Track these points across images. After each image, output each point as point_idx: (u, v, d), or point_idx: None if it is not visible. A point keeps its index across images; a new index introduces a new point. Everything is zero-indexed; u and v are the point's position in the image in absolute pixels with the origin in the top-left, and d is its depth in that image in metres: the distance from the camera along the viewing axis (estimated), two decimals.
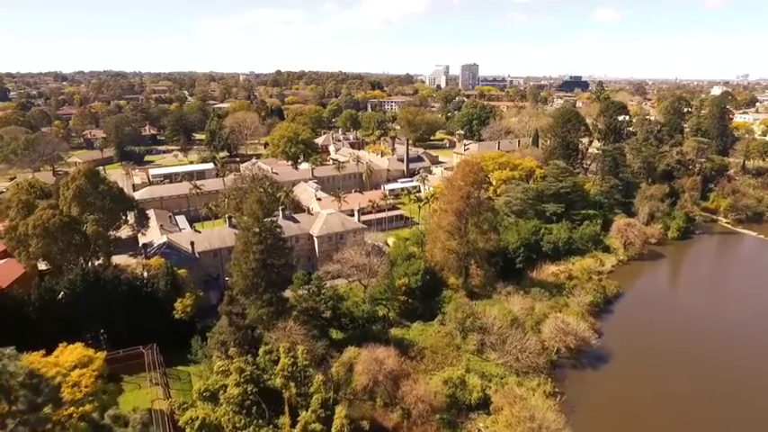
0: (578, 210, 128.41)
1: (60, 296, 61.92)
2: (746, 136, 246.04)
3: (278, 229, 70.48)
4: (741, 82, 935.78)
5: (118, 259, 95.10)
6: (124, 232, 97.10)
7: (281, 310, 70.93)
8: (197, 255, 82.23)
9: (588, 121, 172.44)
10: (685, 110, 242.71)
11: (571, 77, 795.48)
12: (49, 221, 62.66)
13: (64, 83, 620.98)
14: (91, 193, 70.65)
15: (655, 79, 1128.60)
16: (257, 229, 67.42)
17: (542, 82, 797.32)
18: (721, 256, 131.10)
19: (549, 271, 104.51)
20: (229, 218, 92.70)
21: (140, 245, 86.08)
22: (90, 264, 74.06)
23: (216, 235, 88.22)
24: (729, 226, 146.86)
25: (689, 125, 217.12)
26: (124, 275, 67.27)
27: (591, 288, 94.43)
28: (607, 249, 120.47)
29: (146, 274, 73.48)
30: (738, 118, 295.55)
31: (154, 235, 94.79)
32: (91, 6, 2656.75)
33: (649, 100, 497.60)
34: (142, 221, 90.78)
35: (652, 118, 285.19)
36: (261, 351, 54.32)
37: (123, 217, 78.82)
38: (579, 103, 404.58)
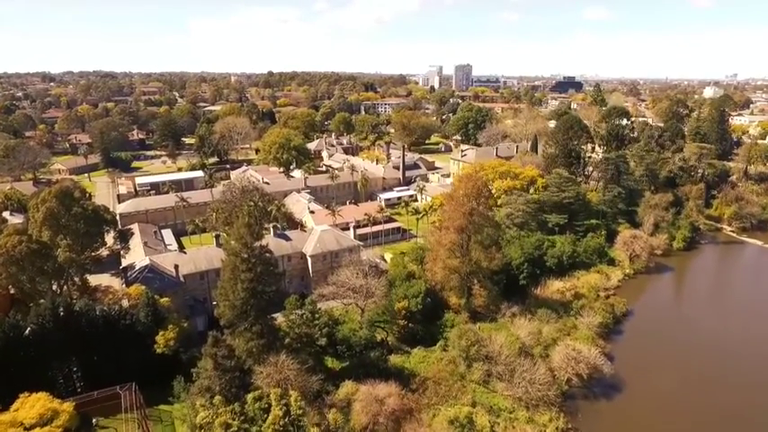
0: (581, 220, 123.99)
1: (27, 332, 56.14)
2: (748, 141, 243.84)
3: (268, 255, 65.21)
4: (731, 82, 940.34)
5: (99, 278, 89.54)
6: (106, 249, 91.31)
7: (272, 342, 65.69)
8: (182, 279, 76.56)
9: (586, 122, 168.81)
10: (684, 113, 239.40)
11: (565, 78, 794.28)
12: (14, 249, 56.97)
13: (51, 84, 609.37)
14: (64, 215, 64.96)
15: (645, 79, 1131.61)
16: (246, 255, 62.06)
17: (536, 82, 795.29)
18: (729, 267, 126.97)
19: (554, 288, 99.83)
20: (217, 236, 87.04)
21: (121, 267, 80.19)
22: (64, 290, 68.34)
23: (202, 256, 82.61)
24: (734, 234, 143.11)
25: (688, 129, 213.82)
26: (100, 307, 61.51)
27: (599, 308, 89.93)
28: (612, 262, 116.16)
29: (125, 302, 67.75)
30: (734, 120, 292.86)
31: (136, 255, 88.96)
32: (82, 3, 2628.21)
33: (644, 101, 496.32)
34: (124, 242, 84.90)
35: (649, 120, 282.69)
36: (249, 398, 49.09)
37: (100, 240, 72.70)
38: (574, 105, 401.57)
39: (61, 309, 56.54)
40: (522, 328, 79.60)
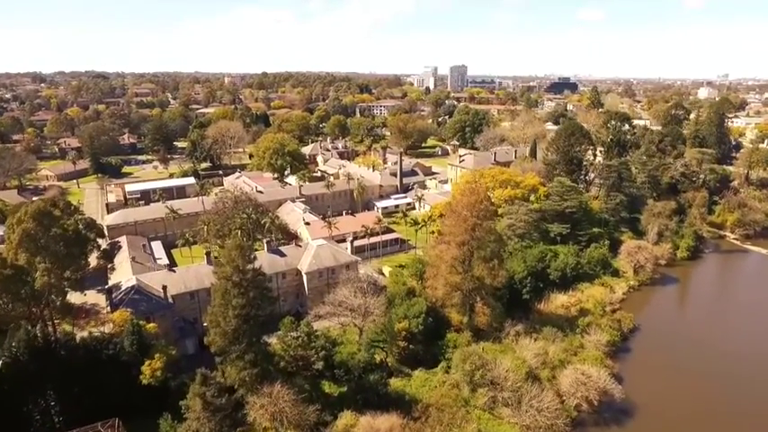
0: (583, 229, 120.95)
1: None
2: (747, 144, 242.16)
3: (261, 278, 61.45)
4: (723, 82, 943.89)
5: (84, 296, 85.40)
6: (92, 261, 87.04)
7: (266, 371, 61.96)
8: (170, 300, 72.56)
9: (585, 125, 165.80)
10: (683, 116, 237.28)
11: (560, 78, 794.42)
12: None
13: (42, 84, 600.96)
14: (42, 236, 60.86)
15: (639, 78, 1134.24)
16: (237, 279, 58.26)
17: (531, 83, 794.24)
18: (735, 278, 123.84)
19: (558, 302, 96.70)
20: (207, 253, 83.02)
21: (106, 287, 76.09)
22: (45, 313, 64.22)
23: (192, 274, 78.61)
24: (738, 242, 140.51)
25: (687, 132, 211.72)
26: (81, 335, 57.50)
27: (606, 325, 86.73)
28: (616, 273, 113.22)
29: (109, 326, 63.75)
30: (732, 123, 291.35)
31: (124, 272, 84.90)
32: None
33: (639, 102, 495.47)
34: (109, 261, 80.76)
35: (646, 122, 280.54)
36: None
37: (82, 262, 68.47)
38: (571, 106, 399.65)
39: (38, 340, 52.46)
40: (528, 348, 76.19)
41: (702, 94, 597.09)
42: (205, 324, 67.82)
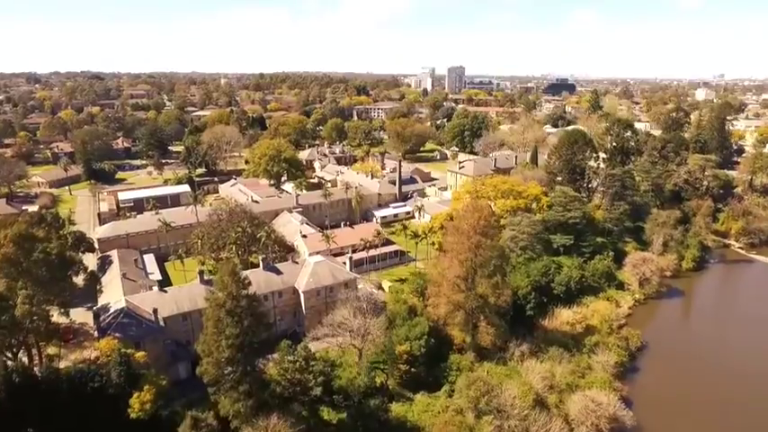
0: (587, 239, 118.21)
1: None
2: (748, 147, 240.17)
3: (256, 304, 58.38)
4: (719, 82, 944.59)
5: (72, 313, 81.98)
6: (80, 279, 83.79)
7: (261, 400, 58.89)
8: (162, 323, 69.35)
9: (585, 129, 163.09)
10: (684, 120, 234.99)
11: (557, 79, 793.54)
12: None
13: (36, 86, 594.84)
14: (23, 261, 57.60)
15: (635, 78, 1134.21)
16: (231, 307, 55.14)
17: (529, 84, 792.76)
18: (743, 290, 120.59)
19: (562, 318, 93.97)
20: (200, 272, 79.75)
21: (95, 308, 72.76)
22: (26, 343, 60.96)
23: (185, 294, 75.31)
24: (743, 251, 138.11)
25: (688, 136, 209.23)
26: (64, 366, 54.29)
27: (614, 344, 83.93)
28: (621, 286, 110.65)
29: (95, 353, 60.54)
30: (733, 126, 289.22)
31: (114, 290, 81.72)
32: None
33: (637, 103, 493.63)
34: (97, 282, 77.55)
35: (646, 124, 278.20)
36: None
37: (67, 286, 65.20)
38: (569, 108, 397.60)
39: (17, 375, 49.23)
40: (534, 371, 73.32)
41: (700, 95, 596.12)
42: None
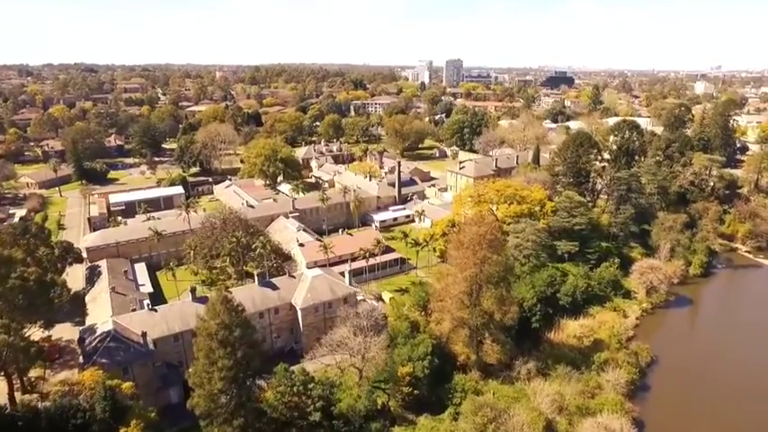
0: (593, 246, 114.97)
1: None
2: (751, 145, 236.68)
3: (250, 331, 54.79)
4: (717, 74, 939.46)
5: (58, 329, 78.50)
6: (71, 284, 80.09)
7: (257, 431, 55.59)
8: (151, 346, 65.66)
9: (585, 126, 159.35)
10: (687, 117, 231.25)
11: (555, 72, 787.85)
12: None
13: (28, 78, 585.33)
14: None
15: (633, 70, 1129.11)
16: (223, 337, 51.52)
17: (527, 76, 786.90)
18: (752, 297, 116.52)
19: (569, 330, 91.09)
20: (192, 290, 75.95)
21: (80, 330, 69.02)
22: (5, 369, 57.18)
23: (176, 314, 71.53)
24: (750, 256, 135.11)
25: (691, 134, 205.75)
26: (44, 404, 50.62)
27: (623, 360, 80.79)
28: (627, 294, 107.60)
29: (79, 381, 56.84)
30: (736, 122, 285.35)
31: (101, 306, 77.99)
32: None
33: (637, 97, 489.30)
34: (81, 305, 73.75)
35: (647, 120, 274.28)
36: None
37: (47, 312, 61.35)
38: (568, 102, 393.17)
39: None
40: (542, 393, 70.14)
41: (699, 88, 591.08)
42: (190, 369, 61.27)
